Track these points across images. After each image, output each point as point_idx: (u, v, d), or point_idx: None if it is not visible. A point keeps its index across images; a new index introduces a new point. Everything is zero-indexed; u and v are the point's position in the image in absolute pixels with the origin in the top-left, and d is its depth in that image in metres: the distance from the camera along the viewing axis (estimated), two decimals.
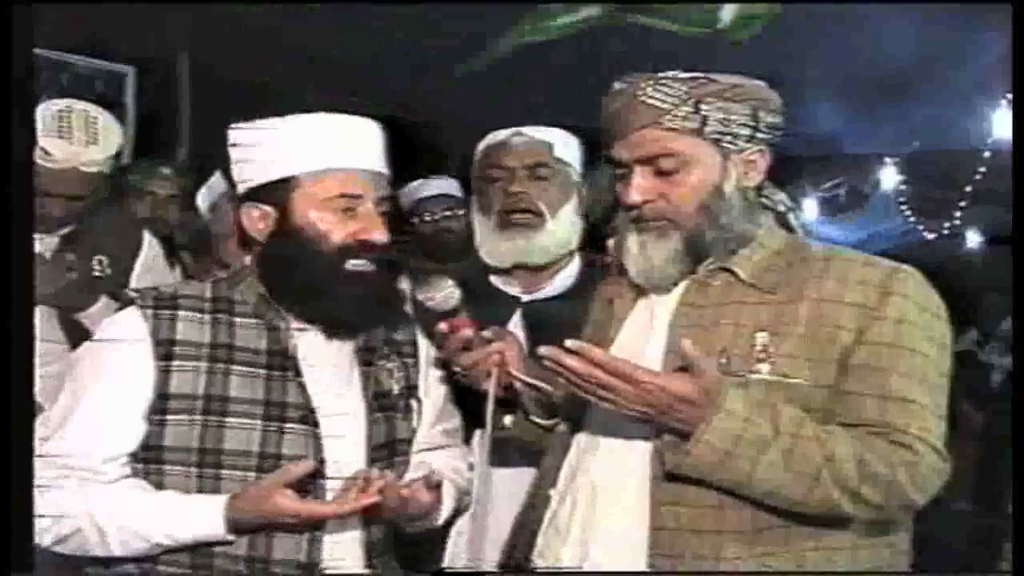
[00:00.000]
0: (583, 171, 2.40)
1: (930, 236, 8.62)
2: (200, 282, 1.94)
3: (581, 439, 1.78)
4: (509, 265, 2.32)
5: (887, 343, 1.61)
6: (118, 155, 2.70)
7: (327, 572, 1.78)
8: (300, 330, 1.85)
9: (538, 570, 1.76)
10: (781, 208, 1.82)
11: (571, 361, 1.53)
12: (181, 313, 1.82)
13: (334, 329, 1.87)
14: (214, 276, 2.01)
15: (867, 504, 1.58)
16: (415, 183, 3.73)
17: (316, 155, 1.81)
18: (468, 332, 1.87)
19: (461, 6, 4.81)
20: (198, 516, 1.74)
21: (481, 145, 2.40)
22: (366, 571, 1.81)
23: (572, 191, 2.34)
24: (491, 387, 1.85)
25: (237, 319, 1.84)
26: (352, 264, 1.80)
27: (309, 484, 1.77)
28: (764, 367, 1.62)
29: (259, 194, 1.84)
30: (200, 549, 1.76)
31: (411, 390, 1.96)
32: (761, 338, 1.63)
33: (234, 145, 1.87)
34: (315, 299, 1.83)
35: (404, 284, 2.21)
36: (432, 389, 2.01)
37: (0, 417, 1.55)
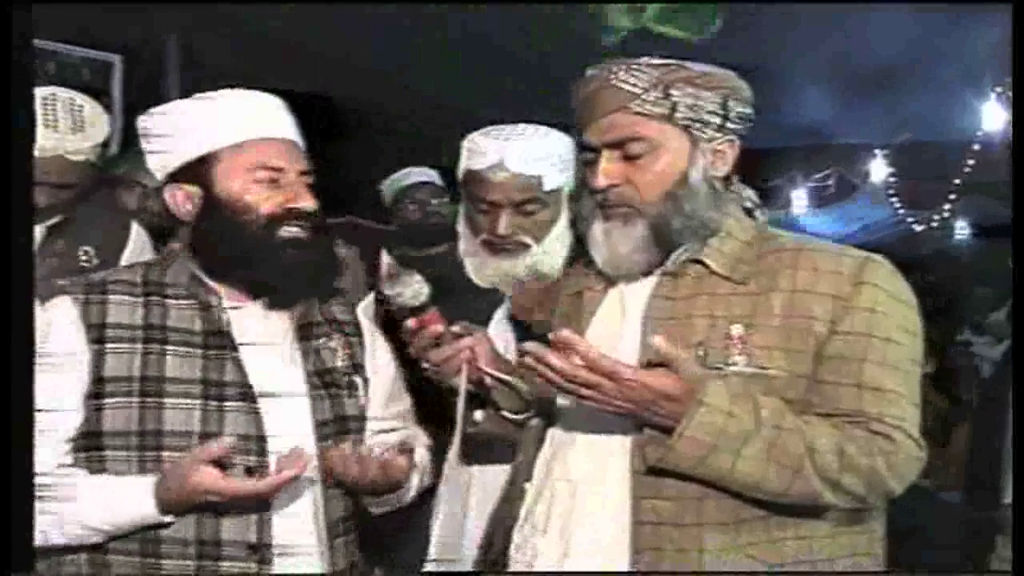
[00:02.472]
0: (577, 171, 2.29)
1: (919, 227, 8.64)
2: (129, 268, 1.98)
3: (555, 433, 1.78)
4: (491, 285, 2.26)
5: (860, 333, 1.62)
6: (105, 144, 2.68)
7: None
8: (235, 308, 1.87)
9: (521, 572, 1.75)
10: (748, 204, 1.81)
11: (555, 360, 1.52)
12: (112, 297, 1.83)
13: (273, 299, 1.88)
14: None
15: (848, 493, 1.59)
16: (397, 174, 3.76)
17: (233, 128, 1.86)
18: (437, 328, 1.84)
19: None
20: (130, 498, 1.73)
21: (463, 161, 2.27)
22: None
23: (560, 211, 2.26)
24: (462, 383, 1.83)
25: (170, 301, 1.85)
26: (285, 231, 1.83)
27: (252, 461, 1.76)
28: (741, 359, 1.62)
29: (181, 175, 1.87)
30: (148, 536, 1.75)
31: (356, 368, 1.96)
32: (736, 330, 1.64)
33: (146, 134, 1.91)
34: (250, 269, 1.85)
35: (342, 251, 2.18)
36: (381, 370, 2.01)
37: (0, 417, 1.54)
